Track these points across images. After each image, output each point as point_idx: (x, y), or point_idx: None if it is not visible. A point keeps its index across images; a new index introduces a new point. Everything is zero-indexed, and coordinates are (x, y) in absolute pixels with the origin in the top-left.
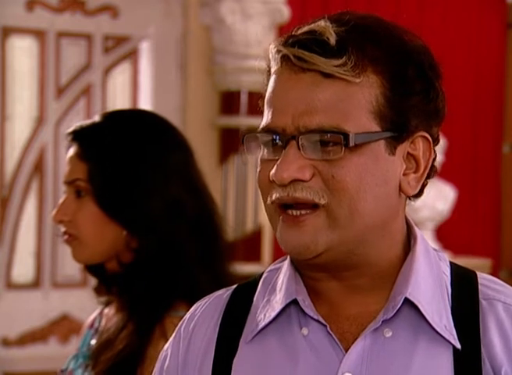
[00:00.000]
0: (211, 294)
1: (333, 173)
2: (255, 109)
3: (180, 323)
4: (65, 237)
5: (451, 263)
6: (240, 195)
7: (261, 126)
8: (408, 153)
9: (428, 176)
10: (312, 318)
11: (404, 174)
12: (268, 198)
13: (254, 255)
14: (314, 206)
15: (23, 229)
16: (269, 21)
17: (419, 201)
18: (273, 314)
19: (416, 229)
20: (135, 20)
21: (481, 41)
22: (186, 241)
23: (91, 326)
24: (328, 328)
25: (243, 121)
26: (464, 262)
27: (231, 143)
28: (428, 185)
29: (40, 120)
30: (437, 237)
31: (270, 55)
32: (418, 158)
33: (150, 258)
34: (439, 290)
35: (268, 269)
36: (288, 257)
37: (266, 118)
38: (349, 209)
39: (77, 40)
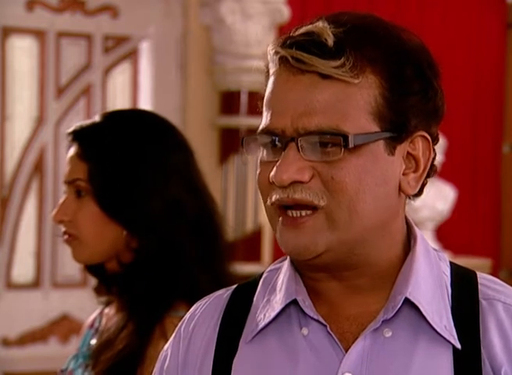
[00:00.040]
0: (211, 294)
1: (333, 174)
2: (255, 109)
3: (180, 323)
4: (66, 237)
5: (451, 263)
6: (240, 195)
7: (260, 128)
8: (408, 153)
9: (428, 175)
10: (312, 318)
11: (404, 174)
12: (268, 200)
13: (254, 255)
14: (313, 208)
15: (23, 229)
16: (269, 21)
17: (419, 201)
18: (273, 314)
19: (416, 229)
20: (135, 20)
21: (481, 41)
22: (186, 241)
23: (91, 326)
24: (328, 328)
25: (243, 121)
26: (463, 262)
27: (231, 143)
28: (428, 185)
29: (40, 120)
30: (437, 237)
31: (268, 57)
32: (418, 158)
33: (150, 258)
34: (439, 290)
35: (268, 269)
36: (288, 257)
37: (265, 120)
38: (348, 211)
39: (77, 40)
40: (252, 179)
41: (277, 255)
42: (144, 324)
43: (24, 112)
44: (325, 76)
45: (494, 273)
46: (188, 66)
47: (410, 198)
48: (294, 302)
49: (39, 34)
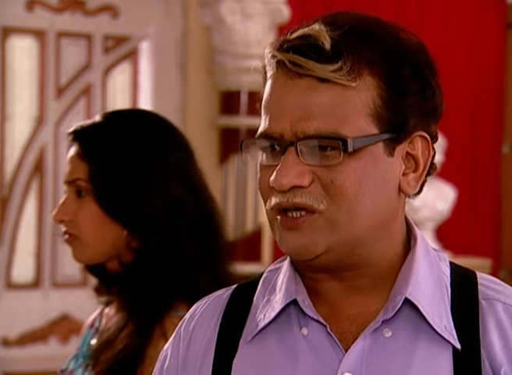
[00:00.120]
0: (211, 294)
1: (332, 178)
2: (255, 109)
3: (180, 323)
4: (66, 236)
5: (451, 263)
6: (240, 195)
7: (259, 132)
8: (407, 153)
9: (428, 174)
10: (312, 318)
11: (404, 174)
12: (268, 203)
13: (254, 255)
14: (313, 211)
15: (23, 229)
16: (269, 21)
17: (419, 201)
18: (273, 314)
19: (416, 229)
20: (135, 20)
21: (481, 41)
22: (186, 240)
23: (91, 326)
24: (328, 328)
25: (243, 121)
26: (463, 262)
27: (231, 143)
28: (428, 185)
29: (40, 120)
30: (437, 237)
31: (266, 60)
32: (417, 158)
33: (150, 258)
34: (439, 290)
35: (268, 269)
36: (288, 257)
37: (264, 124)
38: (347, 214)
39: (77, 40)
40: (252, 179)
41: (277, 255)
42: (144, 324)
43: (24, 112)
44: (322, 80)
45: (494, 273)
46: (188, 66)
47: (409, 197)
48: (294, 302)
49: (39, 34)
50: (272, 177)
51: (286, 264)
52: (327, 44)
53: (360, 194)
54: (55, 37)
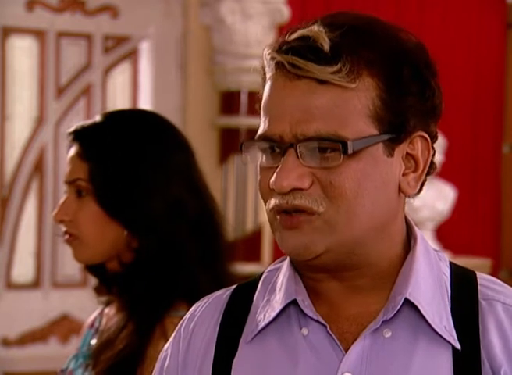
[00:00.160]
0: (210, 294)
1: (331, 179)
2: (255, 109)
3: (180, 323)
4: (66, 236)
5: (451, 263)
6: (240, 195)
7: (259, 134)
8: (407, 153)
9: (428, 174)
10: (312, 318)
11: (403, 174)
12: (268, 205)
13: (254, 255)
14: (312, 213)
15: (23, 229)
16: (269, 21)
17: (419, 201)
18: (273, 314)
19: (416, 229)
20: (135, 20)
21: (481, 41)
22: (186, 241)
23: (91, 326)
24: (328, 328)
25: (243, 121)
26: (463, 262)
27: (231, 143)
28: (428, 185)
29: (40, 120)
30: (437, 237)
31: (264, 61)
32: (417, 158)
33: (150, 258)
34: (438, 290)
35: (268, 269)
36: (288, 257)
37: (263, 125)
38: (346, 215)
39: (77, 40)
40: (252, 179)
41: (277, 255)
42: (144, 324)
43: (24, 112)
44: (322, 82)
45: (494, 273)
46: (188, 66)
47: (409, 197)
48: (294, 302)
49: (39, 34)
50: (272, 179)
51: (285, 264)
52: (326, 46)
53: (360, 195)
54: (55, 37)
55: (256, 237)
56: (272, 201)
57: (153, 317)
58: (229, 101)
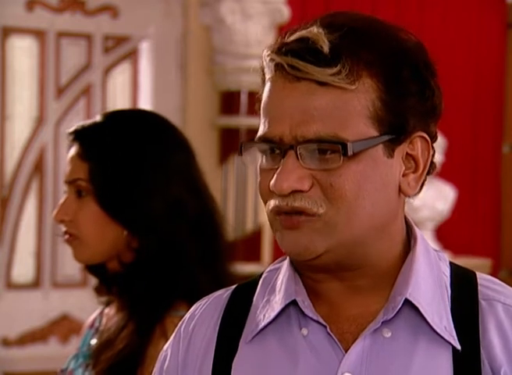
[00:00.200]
0: (210, 294)
1: (331, 181)
2: (255, 109)
3: (180, 323)
4: (66, 236)
5: (451, 263)
6: (240, 195)
7: (258, 135)
8: (407, 153)
9: (428, 173)
10: (312, 318)
11: (403, 175)
12: (267, 206)
13: (254, 255)
14: (312, 215)
15: (23, 229)
16: (269, 21)
17: (419, 201)
18: (273, 314)
19: (416, 229)
20: (135, 20)
21: (481, 41)
22: (186, 240)
23: (92, 325)
24: (328, 329)
25: (243, 121)
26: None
27: (231, 143)
28: (428, 185)
29: (40, 120)
30: (437, 237)
31: (264, 62)
32: (417, 158)
33: (150, 258)
34: (438, 290)
35: (268, 269)
36: (288, 257)
37: (263, 127)
38: (347, 217)
39: (77, 40)
40: (252, 179)
41: (277, 255)
42: (144, 324)
43: (24, 112)
44: (321, 83)
45: (494, 273)
46: (188, 66)
47: (409, 197)
48: (294, 303)
49: (39, 34)
50: (272, 181)
51: (285, 264)
52: (325, 48)
53: (360, 196)
54: (55, 37)
55: (256, 237)
56: (272, 203)
57: (153, 317)
58: (229, 101)
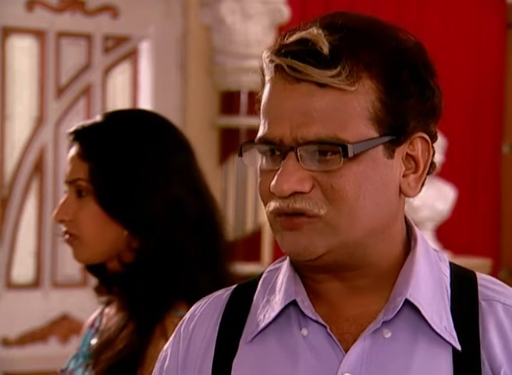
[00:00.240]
0: (210, 295)
1: (332, 182)
2: (255, 109)
3: (180, 323)
4: (66, 236)
5: (451, 264)
6: (240, 195)
7: (258, 137)
8: (407, 154)
9: (428, 173)
10: (312, 319)
11: (404, 176)
12: (268, 208)
13: (254, 255)
14: (313, 216)
15: (23, 229)
16: (269, 21)
17: (419, 201)
18: (273, 315)
19: (416, 229)
20: (135, 20)
21: (481, 41)
22: (186, 240)
23: (92, 325)
24: (328, 329)
25: (243, 121)
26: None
27: (231, 143)
28: (428, 185)
29: (40, 120)
30: (437, 237)
31: (264, 64)
32: (417, 159)
33: (150, 258)
34: (439, 291)
35: (268, 269)
36: (288, 257)
37: (263, 128)
38: (348, 217)
39: (77, 40)
40: (252, 179)
41: (277, 255)
42: (144, 324)
43: (24, 112)
44: (321, 85)
45: (494, 273)
46: (188, 66)
47: (409, 197)
48: (294, 303)
49: (39, 34)
50: (273, 183)
51: (285, 264)
52: (325, 49)
53: (361, 197)
54: (55, 37)
55: (256, 237)
56: (273, 205)
57: (153, 317)
58: (229, 101)
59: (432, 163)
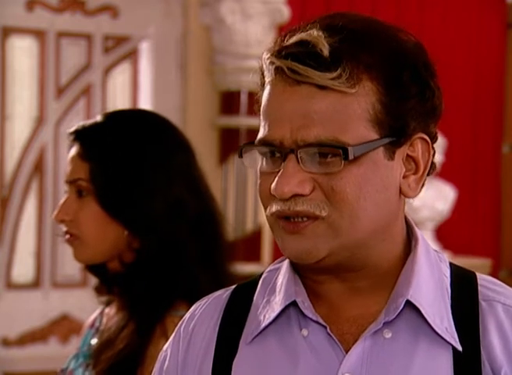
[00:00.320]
0: (210, 294)
1: (333, 184)
2: (255, 110)
3: (180, 322)
4: (67, 236)
5: (451, 264)
6: (240, 195)
7: (258, 138)
8: (407, 155)
9: (428, 174)
10: (312, 319)
11: (404, 177)
12: (268, 210)
13: (254, 255)
14: (315, 218)
15: (23, 229)
16: (269, 21)
17: (419, 201)
18: (273, 315)
19: (416, 229)
20: (135, 20)
21: (481, 41)
22: (187, 240)
23: (92, 325)
24: (328, 329)
25: (243, 121)
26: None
27: (231, 143)
28: (428, 185)
29: (40, 120)
30: (437, 237)
31: (264, 65)
32: (418, 160)
33: (151, 258)
34: (439, 291)
35: (268, 269)
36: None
37: (263, 130)
38: (350, 219)
39: (77, 40)
40: (252, 179)
41: (277, 255)
42: (144, 324)
43: (24, 112)
44: (321, 87)
45: (494, 273)
46: (188, 66)
47: (410, 198)
48: (294, 303)
49: (39, 34)
50: (273, 185)
51: (285, 264)
52: (325, 51)
53: (362, 199)
54: (55, 37)
55: (256, 237)
56: (274, 207)
57: (153, 317)
58: (229, 101)
59: (433, 164)
